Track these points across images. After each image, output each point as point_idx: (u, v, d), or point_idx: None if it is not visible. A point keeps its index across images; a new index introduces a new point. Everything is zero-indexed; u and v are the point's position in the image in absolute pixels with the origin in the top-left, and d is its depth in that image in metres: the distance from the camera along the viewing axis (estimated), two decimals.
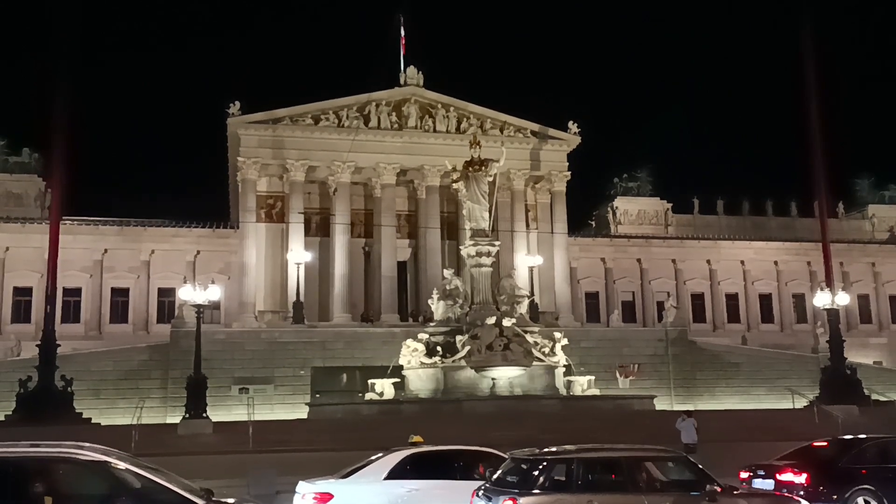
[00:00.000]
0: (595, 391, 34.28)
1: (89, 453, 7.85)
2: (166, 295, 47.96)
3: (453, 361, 31.93)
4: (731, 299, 57.09)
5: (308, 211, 49.71)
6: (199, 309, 30.13)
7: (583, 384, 33.95)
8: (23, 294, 47.05)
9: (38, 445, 8.02)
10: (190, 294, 30.73)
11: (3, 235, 46.97)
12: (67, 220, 42.95)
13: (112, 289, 48.53)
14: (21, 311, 46.85)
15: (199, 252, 49.58)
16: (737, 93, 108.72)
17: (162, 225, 49.76)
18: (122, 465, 7.79)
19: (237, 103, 48.08)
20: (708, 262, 56.88)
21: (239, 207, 50.08)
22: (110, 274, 48.43)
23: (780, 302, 57.49)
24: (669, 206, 61.26)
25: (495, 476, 11.15)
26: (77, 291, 47.59)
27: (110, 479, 7.65)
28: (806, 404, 34.15)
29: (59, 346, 30.48)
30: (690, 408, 28.71)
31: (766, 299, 57.54)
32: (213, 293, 31.08)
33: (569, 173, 52.63)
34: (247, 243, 48.25)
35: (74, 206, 45.07)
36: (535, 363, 32.43)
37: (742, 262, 57.30)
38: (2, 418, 29.16)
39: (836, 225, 57.44)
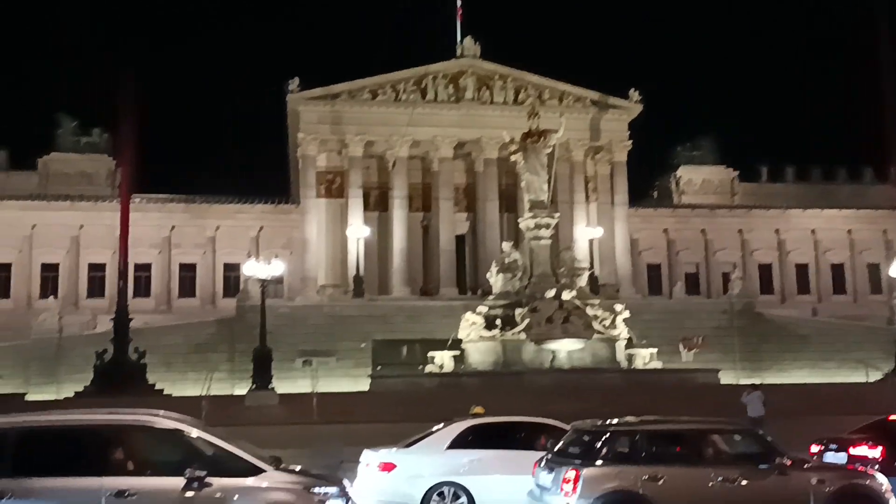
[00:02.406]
0: (657, 364, 33.77)
1: (164, 420, 8.13)
2: (231, 270, 49.21)
3: (513, 334, 31.85)
4: (801, 270, 55.33)
5: (367, 186, 50.11)
6: (264, 283, 30.71)
7: (645, 357, 33.48)
8: (97, 270, 49.00)
9: (115, 413, 8.35)
10: (254, 269, 31.42)
11: (77, 214, 48.87)
12: (136, 198, 44.24)
13: (180, 264, 50.11)
14: (96, 286, 48.84)
15: (262, 228, 50.67)
16: (807, 54, 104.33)
17: (226, 202, 50.93)
18: (194, 432, 8.04)
19: (296, 80, 48.55)
20: (776, 231, 55.18)
21: (300, 183, 50.86)
22: (178, 250, 49.97)
23: (853, 272, 55.44)
24: (736, 174, 59.43)
25: (557, 447, 11.11)
26: (147, 267, 49.27)
27: (184, 446, 7.91)
28: (880, 378, 33.00)
29: (132, 319, 31.62)
30: (757, 381, 28.05)
31: (837, 270, 55.56)
32: (277, 268, 31.72)
33: (630, 143, 51.56)
34: (308, 219, 49.01)
35: (143, 184, 46.42)
36: (595, 336, 32.11)
37: (812, 232, 55.39)
38: (80, 389, 30.50)
39: None
